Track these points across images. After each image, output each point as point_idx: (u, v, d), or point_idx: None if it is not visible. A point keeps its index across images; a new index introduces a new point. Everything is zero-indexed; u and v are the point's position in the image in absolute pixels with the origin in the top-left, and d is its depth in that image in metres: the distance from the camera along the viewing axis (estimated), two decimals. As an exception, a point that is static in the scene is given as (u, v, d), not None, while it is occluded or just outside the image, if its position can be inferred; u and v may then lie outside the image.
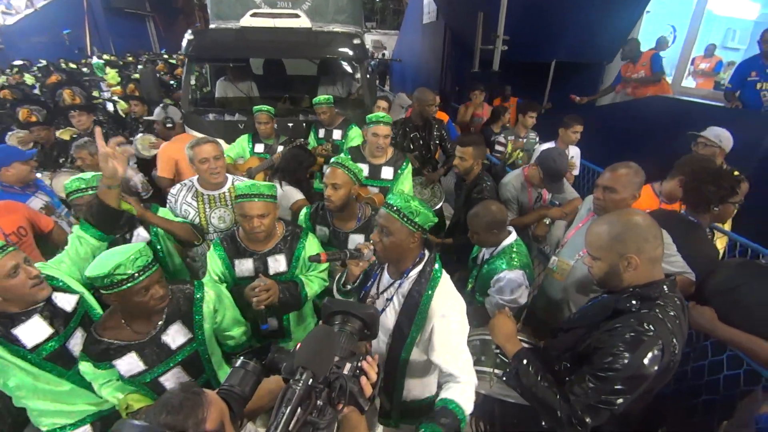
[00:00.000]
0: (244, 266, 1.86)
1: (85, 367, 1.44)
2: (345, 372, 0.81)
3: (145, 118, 3.40)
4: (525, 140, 3.96)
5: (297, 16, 3.98)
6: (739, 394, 1.50)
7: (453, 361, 1.29)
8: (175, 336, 1.50)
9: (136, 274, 1.31)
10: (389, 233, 1.32)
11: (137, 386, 1.50)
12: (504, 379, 1.36)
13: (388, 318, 1.42)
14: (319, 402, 0.74)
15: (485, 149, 2.65)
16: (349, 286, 1.57)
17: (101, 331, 1.43)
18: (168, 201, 2.29)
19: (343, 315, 0.96)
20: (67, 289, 1.55)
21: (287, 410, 0.68)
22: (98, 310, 1.63)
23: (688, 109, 4.35)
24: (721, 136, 2.65)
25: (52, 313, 1.48)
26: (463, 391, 1.25)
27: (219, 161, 2.17)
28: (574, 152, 3.54)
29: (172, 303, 1.52)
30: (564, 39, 5.80)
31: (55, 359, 1.48)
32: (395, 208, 1.30)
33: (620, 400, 1.12)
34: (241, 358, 0.91)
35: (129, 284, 1.30)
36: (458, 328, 1.33)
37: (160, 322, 1.48)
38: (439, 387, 1.33)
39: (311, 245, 1.93)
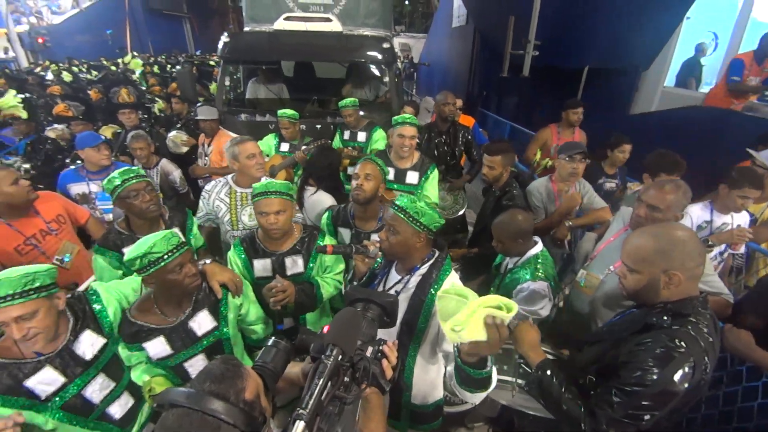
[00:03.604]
0: (262, 266, 1.91)
1: (120, 347, 1.52)
2: (367, 354, 0.86)
3: (197, 117, 3.59)
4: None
5: (329, 20, 4.06)
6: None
7: None
8: (201, 323, 1.57)
9: (170, 252, 1.39)
10: (395, 232, 1.40)
11: (164, 369, 1.57)
12: (526, 388, 1.35)
13: None
14: (346, 379, 0.80)
15: (514, 156, 2.60)
16: (355, 283, 1.63)
17: (135, 313, 1.50)
18: (202, 196, 2.38)
19: (365, 302, 1.01)
20: (101, 327, 1.47)
21: (320, 382, 0.74)
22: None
23: (727, 119, 4.16)
24: None
25: (67, 362, 1.38)
26: None
27: (263, 157, 2.32)
28: None
29: (201, 291, 1.59)
30: (598, 44, 5.66)
31: (71, 409, 1.41)
32: (401, 208, 1.39)
33: (647, 417, 1.10)
34: (273, 338, 0.97)
35: (164, 262, 1.37)
36: None
37: (188, 309, 1.55)
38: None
39: None
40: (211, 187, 2.36)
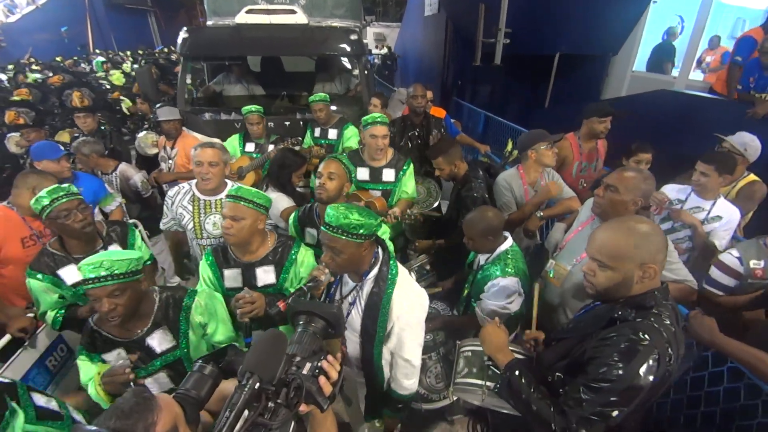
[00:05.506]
0: (233, 276, 1.82)
1: (83, 358, 1.51)
2: (305, 372, 0.82)
3: (157, 119, 3.40)
4: None
5: (293, 12, 3.92)
6: (739, 408, 1.45)
7: (406, 353, 1.47)
8: (160, 341, 1.54)
9: (89, 281, 1.33)
10: (338, 252, 1.35)
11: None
12: (496, 391, 1.33)
13: (355, 320, 1.48)
14: (270, 404, 0.75)
15: (458, 149, 2.53)
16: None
17: (98, 321, 1.51)
18: (165, 202, 2.29)
19: (307, 315, 0.98)
20: None
21: (231, 414, 0.71)
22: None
23: (696, 104, 4.25)
24: (747, 145, 2.44)
25: None
26: (405, 376, 1.51)
27: (214, 168, 2.14)
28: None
29: (161, 308, 1.56)
30: (568, 31, 5.69)
31: None
32: (336, 227, 1.31)
33: (616, 413, 1.09)
34: (199, 361, 0.93)
35: (86, 285, 1.34)
36: (414, 329, 1.47)
37: (146, 327, 1.52)
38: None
39: (303, 256, 1.87)
40: (173, 194, 2.25)
